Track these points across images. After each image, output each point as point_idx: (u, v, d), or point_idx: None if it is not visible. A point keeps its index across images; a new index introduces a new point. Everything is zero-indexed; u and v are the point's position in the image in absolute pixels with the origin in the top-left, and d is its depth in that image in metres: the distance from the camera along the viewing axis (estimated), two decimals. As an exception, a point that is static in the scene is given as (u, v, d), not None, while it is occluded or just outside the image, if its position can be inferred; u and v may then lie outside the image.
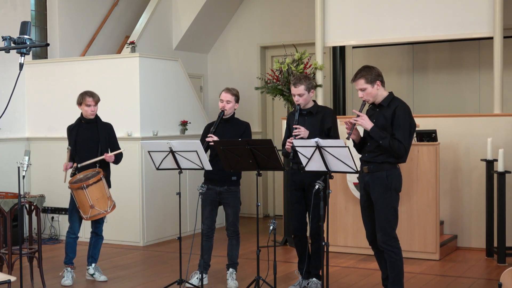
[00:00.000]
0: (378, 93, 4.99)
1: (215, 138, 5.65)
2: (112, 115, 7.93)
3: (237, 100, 5.98)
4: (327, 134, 5.55)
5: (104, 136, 6.30)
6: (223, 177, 5.88)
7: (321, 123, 5.60)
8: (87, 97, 6.23)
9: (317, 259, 5.67)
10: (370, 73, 4.98)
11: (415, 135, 7.27)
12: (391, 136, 4.89)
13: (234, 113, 6.02)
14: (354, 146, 5.21)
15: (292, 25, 10.06)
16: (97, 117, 6.35)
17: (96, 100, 6.27)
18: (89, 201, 5.99)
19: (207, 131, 5.99)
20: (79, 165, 6.17)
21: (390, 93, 5.06)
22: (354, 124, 4.96)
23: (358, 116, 4.96)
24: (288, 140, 5.55)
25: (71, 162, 6.28)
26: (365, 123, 4.93)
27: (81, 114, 6.35)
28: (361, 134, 5.21)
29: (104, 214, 6.13)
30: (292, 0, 10.11)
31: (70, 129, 6.40)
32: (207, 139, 5.74)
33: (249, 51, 10.46)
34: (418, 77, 9.45)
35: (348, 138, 4.96)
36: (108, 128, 6.40)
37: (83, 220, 6.30)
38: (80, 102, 6.28)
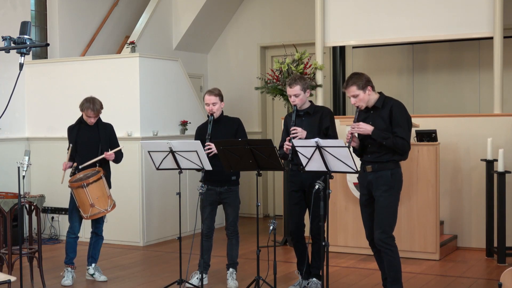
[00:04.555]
0: (369, 97, 5.07)
1: (213, 148, 5.64)
2: (112, 115, 7.92)
3: (221, 99, 5.96)
4: (325, 133, 5.54)
5: (105, 137, 6.30)
6: (223, 178, 5.88)
7: (319, 123, 5.59)
8: (89, 110, 6.14)
9: (318, 259, 5.67)
10: (361, 79, 5.05)
11: (415, 135, 7.30)
12: (393, 135, 4.96)
13: (222, 111, 6.02)
14: (354, 151, 5.22)
15: (292, 25, 10.06)
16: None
17: (96, 113, 6.19)
18: (89, 199, 5.99)
19: (198, 135, 5.99)
20: (80, 167, 6.17)
21: (381, 94, 5.13)
22: (352, 134, 5.03)
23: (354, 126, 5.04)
24: (286, 142, 5.54)
25: (70, 161, 6.27)
26: (364, 129, 5.00)
27: (82, 115, 6.35)
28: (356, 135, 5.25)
29: (104, 213, 6.13)
30: (292, 0, 10.11)
31: (71, 129, 6.39)
32: (206, 150, 5.69)
33: (249, 51, 10.45)
34: (418, 77, 9.45)
35: (348, 147, 4.87)
36: (109, 128, 6.40)
37: (83, 220, 6.30)
38: (82, 109, 6.25)
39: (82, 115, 6.32)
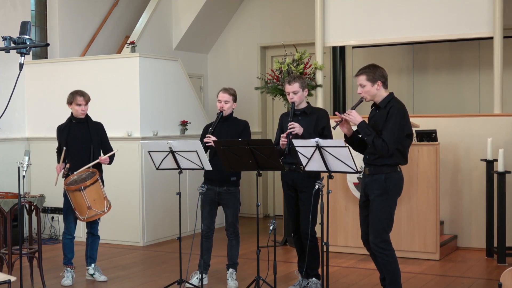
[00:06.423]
0: (377, 93, 4.97)
1: (213, 139, 5.66)
2: (112, 115, 7.94)
3: (235, 100, 5.99)
4: (320, 133, 5.59)
5: (96, 136, 6.28)
6: (222, 178, 5.88)
7: (316, 123, 5.64)
8: (77, 96, 6.20)
9: (313, 260, 5.72)
10: (374, 72, 4.96)
11: (415, 135, 7.29)
12: (377, 135, 4.87)
13: (232, 112, 6.03)
14: (346, 140, 5.13)
15: (292, 25, 10.06)
16: (87, 116, 6.32)
17: (87, 99, 6.25)
18: (86, 202, 5.97)
19: (205, 132, 6.00)
20: (75, 173, 6.12)
21: (390, 94, 5.02)
22: (342, 117, 4.98)
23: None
24: (282, 135, 5.58)
25: (63, 163, 6.24)
26: (353, 118, 4.94)
27: (71, 113, 6.33)
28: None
29: (101, 214, 6.11)
30: (292, 0, 10.11)
31: (61, 129, 6.34)
32: (205, 140, 5.75)
33: (249, 51, 10.46)
34: (418, 77, 9.45)
35: (334, 128, 5.05)
36: (99, 127, 6.37)
37: (78, 220, 6.28)
38: (70, 102, 6.25)
39: (71, 113, 6.30)
